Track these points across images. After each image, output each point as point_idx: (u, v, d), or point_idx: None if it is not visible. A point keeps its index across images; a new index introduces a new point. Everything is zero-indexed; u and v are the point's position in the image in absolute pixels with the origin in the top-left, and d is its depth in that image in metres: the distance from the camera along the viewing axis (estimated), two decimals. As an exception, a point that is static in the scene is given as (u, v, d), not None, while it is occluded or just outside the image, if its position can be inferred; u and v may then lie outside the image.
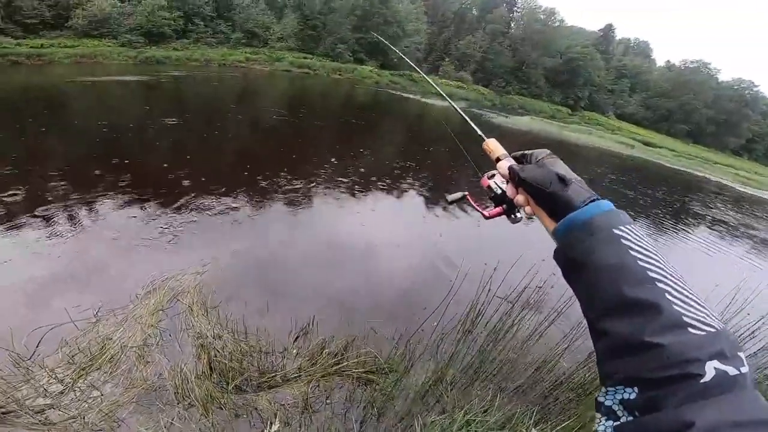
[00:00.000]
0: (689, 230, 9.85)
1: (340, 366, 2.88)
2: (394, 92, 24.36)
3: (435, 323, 3.42)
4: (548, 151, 0.70)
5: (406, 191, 7.98)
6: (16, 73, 15.18)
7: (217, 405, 2.61)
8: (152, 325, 3.29)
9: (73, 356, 2.87)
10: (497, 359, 3.03)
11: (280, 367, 2.96)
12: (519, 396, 2.90)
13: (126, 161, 6.86)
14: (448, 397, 2.73)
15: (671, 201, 12.35)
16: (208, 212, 5.50)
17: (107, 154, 7.16)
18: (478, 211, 0.81)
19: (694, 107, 43.05)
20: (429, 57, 42.09)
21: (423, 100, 23.57)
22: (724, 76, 49.33)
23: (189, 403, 2.59)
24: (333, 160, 8.91)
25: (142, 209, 5.30)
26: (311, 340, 3.30)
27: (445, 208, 7.22)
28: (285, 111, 12.92)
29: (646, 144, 27.23)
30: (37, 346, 2.95)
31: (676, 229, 9.78)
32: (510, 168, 0.70)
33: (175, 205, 5.53)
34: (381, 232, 5.99)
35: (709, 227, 10.56)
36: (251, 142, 9.26)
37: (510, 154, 0.78)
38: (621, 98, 47.68)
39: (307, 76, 23.21)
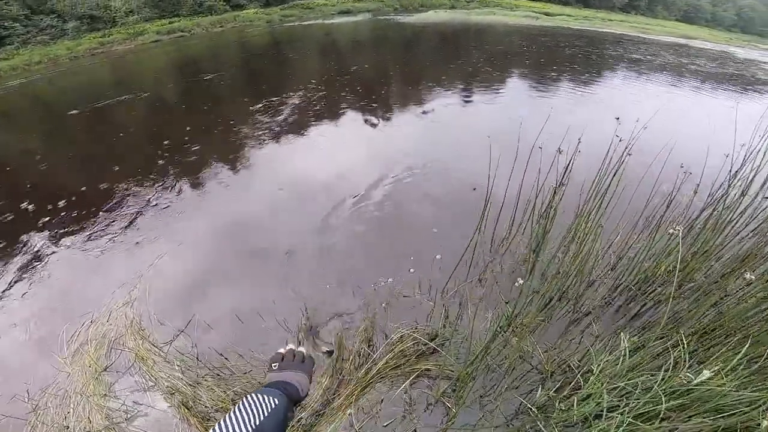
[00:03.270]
0: (622, 68, 10.21)
1: (378, 369, 2.00)
2: (292, 24, 21.98)
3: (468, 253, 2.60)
4: None
5: (349, 107, 6.76)
6: None
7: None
8: (105, 395, 2.30)
9: None
10: (560, 272, 2.30)
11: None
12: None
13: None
14: (539, 352, 1.99)
15: (597, 52, 12.43)
16: (107, 219, 4.06)
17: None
18: None
19: (575, -26, 44.20)
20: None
21: (325, 22, 21.62)
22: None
23: None
24: (256, 105, 7.26)
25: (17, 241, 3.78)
26: (318, 344, 2.36)
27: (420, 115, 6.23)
28: (177, 78, 10.65)
29: (547, 14, 27.53)
30: None
31: (614, 68, 10.15)
32: None
33: (68, 225, 4.00)
34: (342, 158, 4.84)
35: (630, 64, 11.00)
36: (153, 122, 7.37)
37: None
38: (508, -22, 47.53)
39: (183, 39, 19.75)
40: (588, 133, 3.04)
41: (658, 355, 1.86)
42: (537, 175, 2.53)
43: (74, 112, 8.15)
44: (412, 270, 2.76)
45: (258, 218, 3.85)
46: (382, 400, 1.94)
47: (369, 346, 2.15)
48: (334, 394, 1.99)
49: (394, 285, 2.72)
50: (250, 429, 0.75)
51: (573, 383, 1.78)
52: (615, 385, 1.62)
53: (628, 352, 1.73)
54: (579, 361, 1.87)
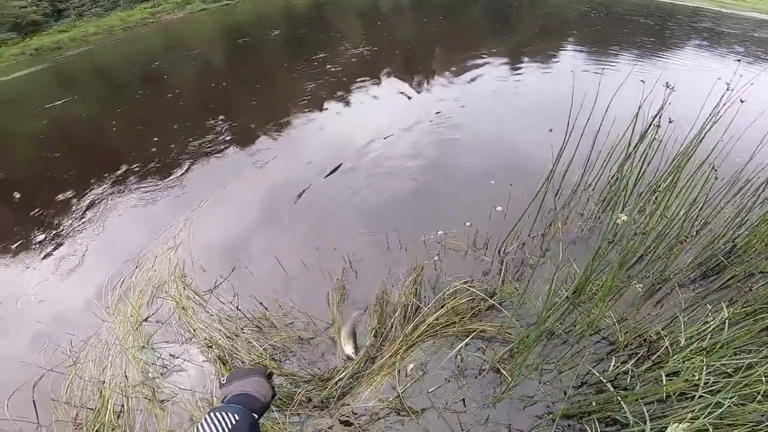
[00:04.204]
0: (708, 41, 8.85)
1: (427, 325, 1.83)
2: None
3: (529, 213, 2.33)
4: None
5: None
6: None
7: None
8: (143, 347, 2.25)
9: (75, 417, 1.96)
10: (638, 233, 1.99)
11: (342, 358, 1.93)
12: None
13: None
14: (612, 321, 1.72)
15: (672, 25, 11.10)
16: (161, 174, 4.11)
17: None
18: None
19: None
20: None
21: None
22: None
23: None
24: (309, 59, 7.26)
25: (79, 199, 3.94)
26: (362, 292, 2.22)
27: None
28: (229, 44, 10.76)
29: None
30: (37, 414, 2.01)
31: (699, 41, 8.75)
32: None
33: (135, 176, 4.12)
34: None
35: (714, 36, 9.67)
36: (217, 74, 7.58)
37: None
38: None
39: (229, 6, 19.86)
40: (682, 90, 2.62)
41: (760, 331, 1.56)
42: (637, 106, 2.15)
43: (156, 64, 8.59)
44: (468, 224, 2.52)
45: (304, 166, 3.76)
46: (428, 362, 1.78)
47: (417, 298, 1.97)
48: (377, 352, 1.85)
49: (446, 237, 2.50)
50: None
51: (655, 357, 1.53)
52: (713, 363, 1.36)
53: (727, 326, 1.46)
54: (662, 330, 1.60)
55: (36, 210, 3.82)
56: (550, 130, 3.34)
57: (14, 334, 2.56)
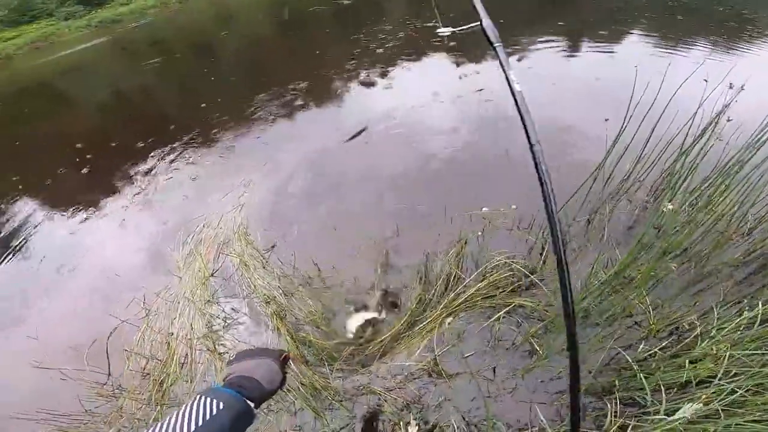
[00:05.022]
0: None
1: (467, 296, 1.97)
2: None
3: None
4: None
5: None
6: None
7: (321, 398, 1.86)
8: (209, 301, 2.50)
9: (144, 367, 2.21)
10: (685, 224, 2.00)
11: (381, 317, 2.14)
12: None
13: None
14: (647, 307, 1.79)
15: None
16: (218, 141, 4.51)
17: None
18: None
19: None
20: None
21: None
22: None
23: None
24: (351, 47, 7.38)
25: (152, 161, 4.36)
26: (406, 260, 2.40)
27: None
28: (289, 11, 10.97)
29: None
30: (109, 365, 2.29)
31: None
32: None
33: (195, 143, 4.55)
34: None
35: None
36: (287, 38, 8.07)
37: None
38: None
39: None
40: (755, 88, 2.52)
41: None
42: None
43: (213, 36, 9.17)
44: (514, 206, 2.60)
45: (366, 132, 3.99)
46: (464, 331, 1.93)
47: (459, 269, 2.11)
48: (418, 317, 2.03)
49: (491, 214, 2.60)
50: None
51: (684, 343, 1.60)
52: (736, 353, 1.42)
53: (758, 321, 1.50)
54: (697, 320, 1.66)
55: (111, 169, 4.25)
56: (606, 120, 3.29)
57: (95, 286, 2.89)
